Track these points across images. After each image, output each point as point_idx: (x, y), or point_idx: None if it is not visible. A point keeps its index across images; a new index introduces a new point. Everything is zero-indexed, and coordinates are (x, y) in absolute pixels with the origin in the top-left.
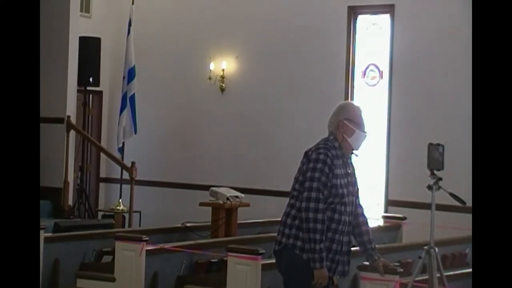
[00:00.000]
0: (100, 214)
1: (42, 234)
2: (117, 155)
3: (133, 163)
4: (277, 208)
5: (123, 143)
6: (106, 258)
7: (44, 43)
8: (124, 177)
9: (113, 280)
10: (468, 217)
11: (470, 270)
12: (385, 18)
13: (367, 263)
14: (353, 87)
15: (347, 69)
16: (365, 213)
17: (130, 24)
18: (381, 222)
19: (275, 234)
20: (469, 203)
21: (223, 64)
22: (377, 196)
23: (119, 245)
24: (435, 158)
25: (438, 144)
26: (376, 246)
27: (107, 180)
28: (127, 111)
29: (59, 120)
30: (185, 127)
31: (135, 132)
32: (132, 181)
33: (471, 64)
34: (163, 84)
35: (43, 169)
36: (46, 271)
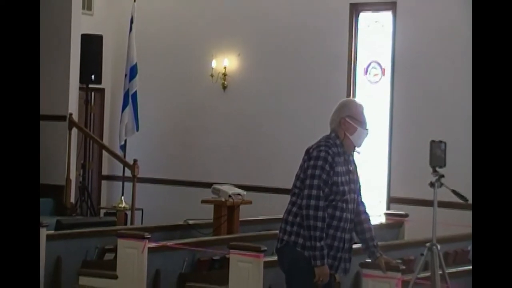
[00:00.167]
0: (102, 211)
1: (44, 232)
2: (119, 152)
3: (135, 160)
4: (279, 205)
5: (125, 141)
6: (108, 256)
7: (46, 41)
8: (126, 174)
9: (115, 277)
10: (470, 214)
11: None
12: (387, 15)
13: (369, 260)
14: (355, 84)
15: (349, 67)
16: (367, 210)
17: (132, 22)
18: (383, 220)
19: (277, 232)
20: (471, 201)
21: (225, 62)
22: (379, 194)
23: (121, 242)
24: (437, 155)
25: (440, 141)
26: (378, 243)
27: (109, 177)
28: (129, 109)
29: (61, 118)
30: (187, 125)
31: (137, 130)
32: (134, 179)
33: None
34: (165, 82)
35: (45, 166)
36: (48, 268)
